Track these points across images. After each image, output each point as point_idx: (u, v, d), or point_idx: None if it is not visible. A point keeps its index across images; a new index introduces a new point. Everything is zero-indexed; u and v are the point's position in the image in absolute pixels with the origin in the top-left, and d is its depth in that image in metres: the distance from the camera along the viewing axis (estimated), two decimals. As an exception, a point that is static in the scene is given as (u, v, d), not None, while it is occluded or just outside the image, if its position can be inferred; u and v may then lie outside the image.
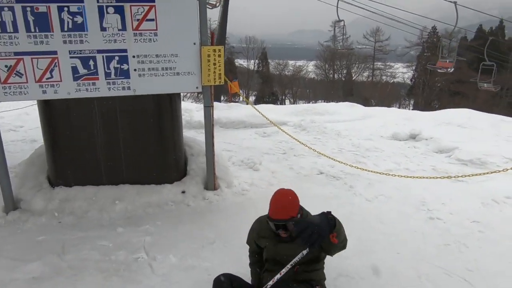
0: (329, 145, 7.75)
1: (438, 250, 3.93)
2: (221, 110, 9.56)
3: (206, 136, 4.82)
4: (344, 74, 49.89)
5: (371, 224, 4.42)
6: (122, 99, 4.41)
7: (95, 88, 4.13)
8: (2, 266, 3.47)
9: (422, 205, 4.96)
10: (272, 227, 2.65)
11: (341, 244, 2.43)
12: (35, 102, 4.67)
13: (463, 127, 9.10)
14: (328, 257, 2.78)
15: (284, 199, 2.63)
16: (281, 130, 6.62)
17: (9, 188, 4.35)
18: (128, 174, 4.79)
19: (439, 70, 15.53)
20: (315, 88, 50.70)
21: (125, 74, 4.16)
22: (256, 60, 53.59)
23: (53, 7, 3.78)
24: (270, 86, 49.75)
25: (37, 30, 3.81)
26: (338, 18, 14.16)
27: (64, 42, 3.91)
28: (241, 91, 28.34)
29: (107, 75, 4.11)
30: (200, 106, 10.48)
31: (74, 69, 4.01)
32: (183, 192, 4.85)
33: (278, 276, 2.44)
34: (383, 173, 5.54)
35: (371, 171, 5.68)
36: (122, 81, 4.17)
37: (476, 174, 5.29)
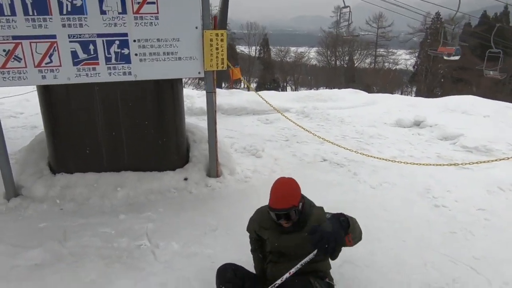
0: (333, 132, 7.66)
1: (443, 237, 3.90)
2: (223, 96, 9.45)
3: (209, 122, 4.76)
4: (346, 61, 49.47)
5: (375, 211, 4.38)
6: (123, 84, 4.32)
7: (96, 73, 4.04)
8: (3, 252, 3.46)
9: (427, 192, 4.91)
10: (273, 217, 2.56)
11: (357, 239, 2.43)
12: (35, 88, 4.60)
13: (468, 114, 8.98)
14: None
15: (284, 188, 2.56)
16: (284, 116, 6.54)
17: (10, 174, 4.31)
18: (130, 161, 4.74)
19: (443, 57, 15.25)
20: (317, 74, 50.37)
21: (126, 59, 4.08)
22: (258, 47, 53.21)
23: (51, -12, 3.67)
24: (271, 73, 49.47)
25: (35, 13, 3.71)
26: (344, 4, 13.88)
27: (63, 25, 3.81)
28: (243, 77, 28.14)
29: (108, 60, 4.02)
30: (202, 92, 10.39)
31: (74, 54, 3.93)
32: (186, 179, 4.81)
33: (287, 275, 2.39)
34: (388, 160, 5.47)
35: (376, 158, 5.61)
36: (123, 66, 4.09)
37: (481, 162, 5.22)
